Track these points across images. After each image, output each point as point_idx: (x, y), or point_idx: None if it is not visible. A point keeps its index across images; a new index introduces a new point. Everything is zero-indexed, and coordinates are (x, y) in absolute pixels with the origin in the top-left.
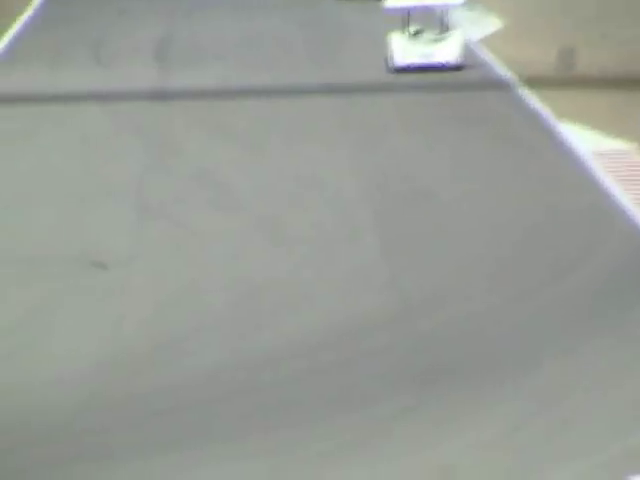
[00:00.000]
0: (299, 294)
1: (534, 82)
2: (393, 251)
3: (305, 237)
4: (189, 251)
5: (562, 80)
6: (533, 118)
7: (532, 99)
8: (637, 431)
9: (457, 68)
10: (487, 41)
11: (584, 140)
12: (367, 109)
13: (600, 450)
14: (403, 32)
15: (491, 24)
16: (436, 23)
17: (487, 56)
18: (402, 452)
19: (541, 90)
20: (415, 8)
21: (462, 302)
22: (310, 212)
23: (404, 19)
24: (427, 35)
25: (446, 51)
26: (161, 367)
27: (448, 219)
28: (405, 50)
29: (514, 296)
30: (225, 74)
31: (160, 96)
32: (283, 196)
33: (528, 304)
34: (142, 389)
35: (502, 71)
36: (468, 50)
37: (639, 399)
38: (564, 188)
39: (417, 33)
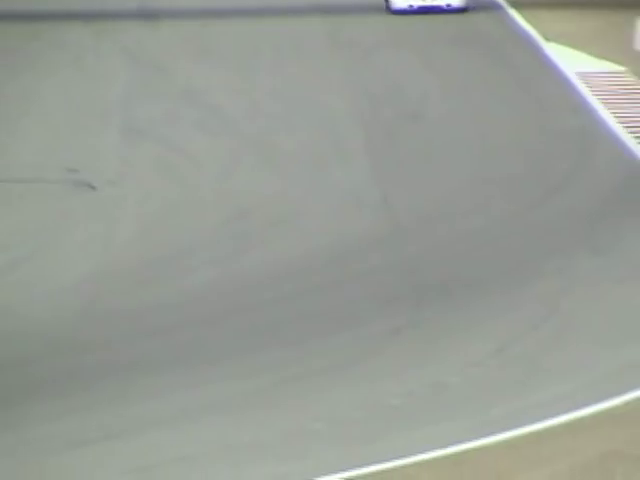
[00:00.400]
0: (289, 215)
1: (523, 3)
2: (384, 172)
3: (295, 158)
4: (177, 172)
5: (550, 1)
6: (522, 39)
7: (521, 20)
8: (630, 346)
9: (461, 11)
10: None
11: (571, 61)
12: (357, 29)
13: (593, 366)
14: None
15: None
16: None
17: None
18: (393, 371)
19: (530, 11)
20: None
21: (452, 223)
22: (300, 133)
23: None
24: None
25: None
26: (151, 285)
27: (437, 140)
28: None
29: (504, 217)
30: None
31: (146, 16)
32: (272, 117)
33: (518, 225)
34: (133, 305)
35: None
36: None
37: (631, 316)
38: (552, 109)
39: None
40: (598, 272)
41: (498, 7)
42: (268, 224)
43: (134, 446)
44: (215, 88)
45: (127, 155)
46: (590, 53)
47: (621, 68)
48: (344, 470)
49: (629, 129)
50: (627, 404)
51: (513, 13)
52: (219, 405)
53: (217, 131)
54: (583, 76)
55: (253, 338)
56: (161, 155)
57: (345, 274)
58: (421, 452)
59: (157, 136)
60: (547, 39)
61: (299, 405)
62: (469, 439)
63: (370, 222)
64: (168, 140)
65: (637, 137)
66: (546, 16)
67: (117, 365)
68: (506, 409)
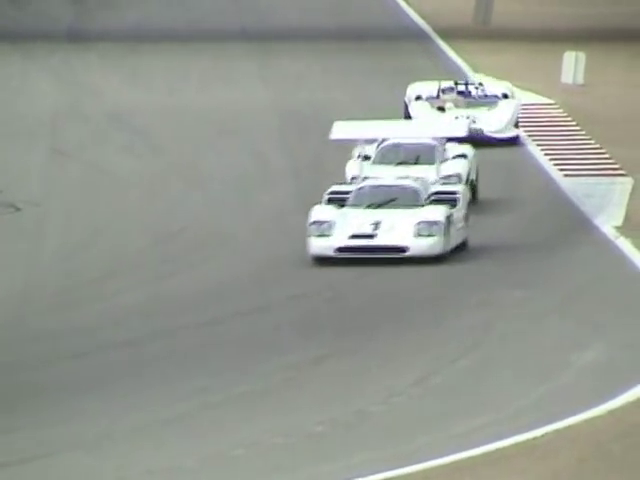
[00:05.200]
0: (215, 238)
1: (452, 34)
2: (309, 197)
3: (221, 181)
4: (104, 194)
5: (479, 32)
6: (449, 69)
7: (449, 51)
8: (549, 379)
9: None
10: None
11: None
12: (285, 55)
13: (513, 398)
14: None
15: None
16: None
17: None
18: (316, 399)
19: (458, 42)
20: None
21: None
22: (226, 156)
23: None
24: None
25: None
26: (73, 307)
27: None
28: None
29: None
30: (143, 17)
31: (75, 38)
32: (199, 140)
33: (442, 257)
34: (54, 327)
35: (421, 23)
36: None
37: (550, 350)
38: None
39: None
40: (520, 306)
41: (427, 37)
42: (193, 248)
43: (51, 469)
44: (143, 110)
45: (53, 176)
46: (518, 85)
47: (548, 100)
48: None
49: (554, 161)
50: (544, 436)
51: (441, 44)
52: (138, 430)
53: (144, 153)
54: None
55: (175, 363)
56: (87, 177)
57: (269, 300)
58: None
59: (83, 158)
60: (475, 70)
61: (219, 431)
62: (389, 468)
63: (295, 247)
64: (94, 162)
65: (562, 169)
66: (474, 48)
67: (36, 387)
68: (427, 439)
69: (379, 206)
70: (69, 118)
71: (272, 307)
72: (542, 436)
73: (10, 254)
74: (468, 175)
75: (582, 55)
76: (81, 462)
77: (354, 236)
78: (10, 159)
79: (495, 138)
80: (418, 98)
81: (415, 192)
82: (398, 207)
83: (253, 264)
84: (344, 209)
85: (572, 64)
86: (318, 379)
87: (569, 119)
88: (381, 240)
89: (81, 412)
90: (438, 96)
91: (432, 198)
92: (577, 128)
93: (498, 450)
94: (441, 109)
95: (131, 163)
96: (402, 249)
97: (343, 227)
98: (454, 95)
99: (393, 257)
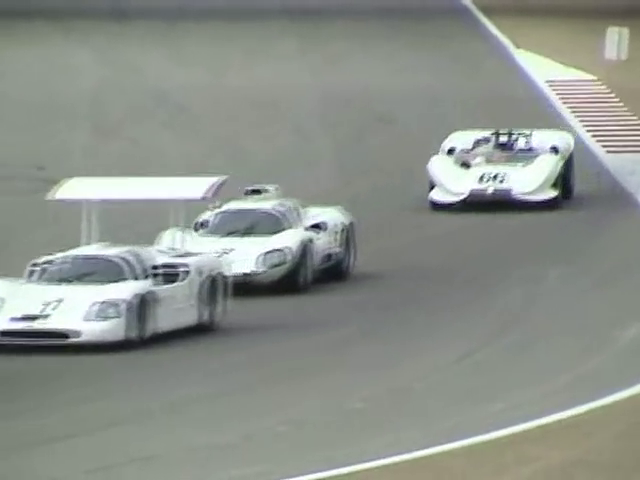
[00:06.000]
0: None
1: (494, 9)
2: (351, 172)
3: (262, 159)
4: (145, 170)
5: (521, 8)
6: (492, 46)
7: (491, 27)
8: (592, 356)
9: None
10: None
11: (541, 69)
12: (327, 34)
13: (556, 374)
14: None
15: None
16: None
17: None
18: (357, 375)
19: (500, 18)
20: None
21: (419, 228)
22: (268, 134)
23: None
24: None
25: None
26: None
27: (407, 145)
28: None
29: (471, 224)
30: None
31: (117, 15)
32: (240, 118)
33: (484, 232)
34: None
35: None
36: None
37: (593, 326)
38: (521, 116)
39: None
40: (562, 281)
41: (468, 13)
42: None
43: (93, 445)
44: (184, 88)
45: (95, 153)
46: (560, 61)
47: (591, 76)
48: (307, 473)
49: (597, 137)
50: (589, 412)
51: (484, 19)
52: (179, 406)
53: (185, 131)
54: (553, 84)
55: (214, 339)
56: (129, 154)
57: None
58: (383, 457)
59: (125, 135)
60: (517, 46)
61: (263, 408)
62: (431, 445)
63: None
64: (136, 139)
65: (604, 145)
66: (517, 23)
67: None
68: (469, 415)
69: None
70: (111, 95)
71: (317, 283)
72: (585, 413)
73: (54, 229)
74: None
75: (625, 31)
76: (119, 439)
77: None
78: (53, 136)
79: (525, 200)
80: (451, 151)
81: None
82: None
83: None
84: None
85: (615, 40)
86: (359, 356)
87: (612, 95)
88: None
89: (119, 388)
90: (473, 148)
91: (152, 272)
92: (620, 104)
93: (540, 427)
94: (465, 165)
95: (172, 140)
96: (66, 335)
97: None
98: (490, 147)
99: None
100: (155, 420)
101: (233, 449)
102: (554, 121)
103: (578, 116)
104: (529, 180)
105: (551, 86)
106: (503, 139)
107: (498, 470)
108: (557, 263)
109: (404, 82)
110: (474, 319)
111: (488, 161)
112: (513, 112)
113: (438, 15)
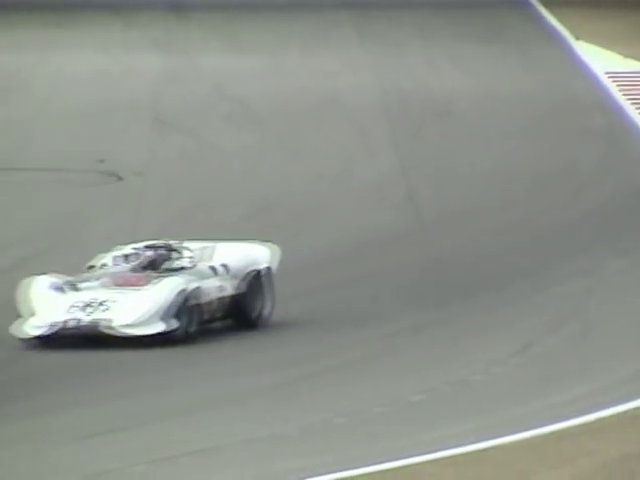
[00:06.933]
0: (314, 209)
1: (553, 1)
2: (410, 167)
3: (321, 152)
4: (203, 165)
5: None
6: (551, 37)
7: (551, 18)
8: None
9: None
10: None
11: (601, 60)
12: (385, 23)
13: (615, 368)
14: None
15: None
16: None
17: None
18: (415, 368)
19: (560, 9)
20: None
21: (478, 221)
22: (326, 127)
23: None
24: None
25: None
26: None
27: (465, 137)
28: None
29: (529, 216)
30: None
31: (175, 7)
32: (299, 111)
33: (543, 224)
34: None
35: None
36: None
37: None
38: (580, 108)
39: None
40: (622, 274)
41: (528, 4)
42: (292, 218)
43: (150, 437)
44: (243, 80)
45: (154, 145)
46: (620, 53)
47: None
48: (366, 465)
49: None
50: None
51: (543, 10)
52: (236, 398)
53: (244, 123)
54: (613, 75)
55: (274, 332)
56: (188, 147)
57: (368, 270)
58: (442, 449)
59: (184, 127)
60: (577, 37)
61: (320, 400)
62: (490, 437)
63: (395, 218)
64: (195, 131)
65: None
66: (576, 14)
67: (130, 359)
68: (528, 408)
69: None
70: (170, 87)
71: (372, 276)
72: None
73: (112, 223)
74: None
75: None
76: (174, 431)
77: None
78: (112, 128)
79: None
80: (91, 268)
81: None
82: None
83: (351, 235)
84: None
85: None
86: (417, 348)
87: None
88: None
89: (175, 381)
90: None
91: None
92: None
93: (599, 420)
94: (74, 287)
95: (232, 132)
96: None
97: None
98: (109, 266)
99: None
100: (211, 412)
101: (291, 441)
102: (613, 113)
103: (638, 108)
104: (133, 309)
105: (611, 77)
106: (129, 251)
107: (557, 463)
108: (617, 255)
109: (466, 74)
110: (532, 310)
111: (104, 286)
112: (571, 105)
113: (498, 6)
